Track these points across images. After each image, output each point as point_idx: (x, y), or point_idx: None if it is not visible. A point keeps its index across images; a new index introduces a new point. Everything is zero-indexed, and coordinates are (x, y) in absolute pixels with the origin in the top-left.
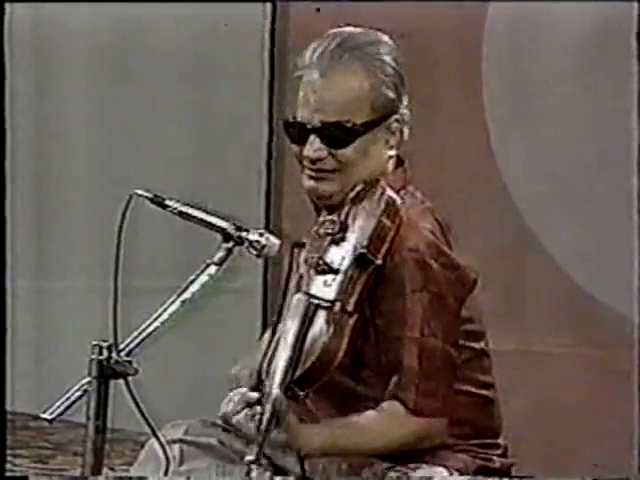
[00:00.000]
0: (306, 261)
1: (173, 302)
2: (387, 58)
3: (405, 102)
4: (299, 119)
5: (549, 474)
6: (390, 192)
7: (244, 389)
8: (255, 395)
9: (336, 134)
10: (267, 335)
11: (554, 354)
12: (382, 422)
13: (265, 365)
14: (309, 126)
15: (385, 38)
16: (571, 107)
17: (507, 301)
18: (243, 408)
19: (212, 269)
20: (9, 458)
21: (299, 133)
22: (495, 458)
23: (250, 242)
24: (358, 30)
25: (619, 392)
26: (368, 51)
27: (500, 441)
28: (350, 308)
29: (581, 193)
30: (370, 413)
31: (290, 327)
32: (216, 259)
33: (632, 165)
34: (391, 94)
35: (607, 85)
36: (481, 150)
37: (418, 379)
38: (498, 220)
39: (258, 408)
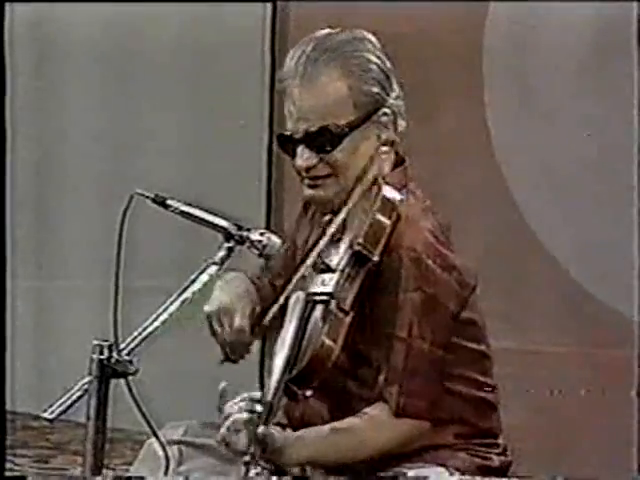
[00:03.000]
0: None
1: (174, 302)
2: (366, 54)
3: (395, 93)
4: (287, 132)
5: (548, 474)
6: (386, 190)
7: (253, 395)
8: (259, 408)
9: (322, 139)
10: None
11: (554, 353)
12: (366, 430)
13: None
14: (296, 136)
15: (363, 34)
16: (572, 106)
17: (507, 300)
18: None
19: (213, 268)
20: (9, 457)
21: (289, 145)
22: (494, 457)
23: (251, 241)
24: (334, 31)
25: (619, 392)
26: (344, 50)
27: (499, 440)
28: (346, 306)
29: (582, 192)
30: (353, 421)
31: (288, 326)
32: (217, 258)
33: (632, 165)
34: (374, 89)
35: (607, 84)
36: (482, 149)
37: (401, 379)
38: (498, 219)
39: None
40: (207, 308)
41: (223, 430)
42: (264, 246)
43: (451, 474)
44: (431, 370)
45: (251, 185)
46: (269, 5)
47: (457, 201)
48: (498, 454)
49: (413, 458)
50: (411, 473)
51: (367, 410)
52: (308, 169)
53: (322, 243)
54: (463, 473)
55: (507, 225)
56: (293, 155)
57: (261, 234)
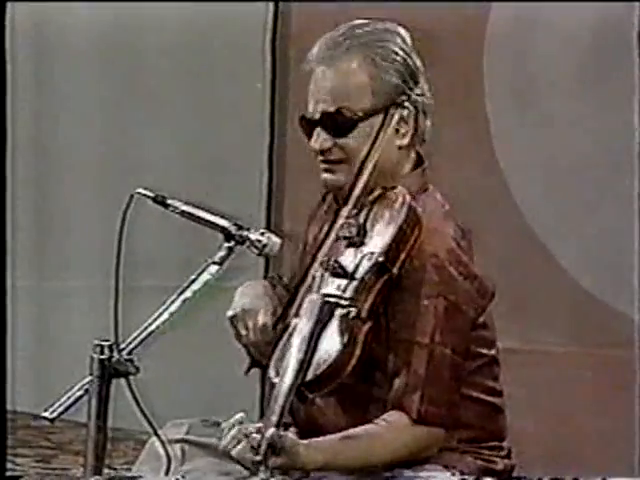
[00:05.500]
0: (321, 263)
1: (174, 301)
2: (391, 45)
3: (420, 90)
4: (307, 113)
5: (549, 474)
6: (412, 201)
7: (240, 423)
8: (253, 429)
9: (337, 122)
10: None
11: (555, 353)
12: (384, 436)
13: (274, 364)
14: (314, 118)
15: (395, 27)
16: (573, 107)
17: (508, 300)
18: (241, 441)
19: (213, 268)
20: (10, 457)
21: (307, 127)
22: (498, 460)
23: (251, 241)
24: (366, 21)
25: (619, 392)
26: (370, 39)
27: (504, 444)
28: (364, 315)
29: (582, 193)
30: (371, 427)
31: (303, 328)
32: (217, 258)
33: (633, 165)
34: (395, 80)
35: (608, 85)
36: (483, 152)
37: (423, 385)
38: (501, 221)
39: (257, 437)
40: (230, 313)
41: (224, 442)
42: (264, 246)
43: (453, 475)
44: (451, 377)
45: (251, 184)
46: (271, 5)
47: (459, 203)
48: (502, 457)
49: (418, 461)
50: (412, 474)
51: (385, 417)
52: (322, 152)
53: (329, 243)
54: (468, 476)
55: (508, 226)
56: (308, 136)
57: (261, 234)
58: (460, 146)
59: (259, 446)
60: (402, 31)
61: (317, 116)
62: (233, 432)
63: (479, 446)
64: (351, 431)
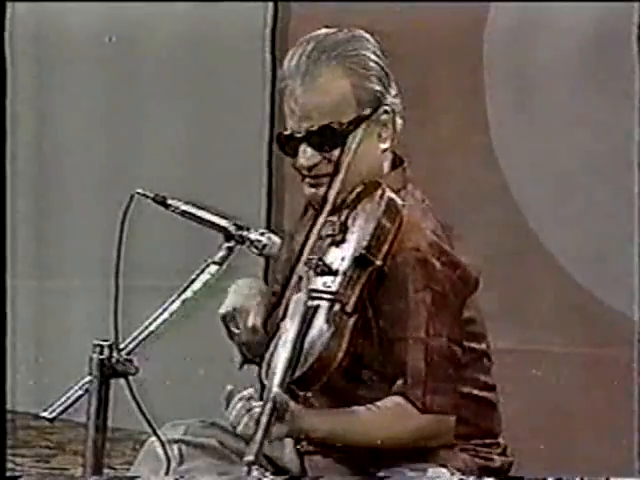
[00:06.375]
0: (306, 263)
1: (174, 301)
2: (366, 52)
3: (393, 92)
4: (288, 131)
5: (548, 474)
6: (390, 193)
7: (247, 399)
8: (257, 403)
9: (325, 138)
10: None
11: (554, 353)
12: (389, 414)
13: (265, 365)
14: (298, 135)
15: (361, 33)
16: (572, 107)
17: (507, 300)
18: (244, 416)
19: (213, 268)
20: (9, 457)
21: (290, 145)
22: (496, 457)
23: (251, 241)
24: (332, 30)
25: (619, 392)
26: (345, 48)
27: (500, 440)
28: (349, 309)
29: (582, 193)
30: (377, 404)
31: (290, 327)
32: (217, 258)
33: (633, 165)
34: (376, 87)
35: (608, 84)
36: (482, 150)
37: (425, 378)
38: (499, 219)
39: (257, 409)
40: (221, 310)
41: (231, 419)
42: (264, 246)
43: (452, 474)
44: (451, 366)
45: (251, 185)
46: (270, 5)
47: (458, 202)
48: (499, 454)
49: (414, 458)
50: (411, 473)
51: (391, 398)
52: (310, 168)
53: (311, 240)
54: (464, 473)
55: (507, 225)
56: (294, 154)
57: (261, 234)
58: (459, 144)
59: (262, 414)
60: (368, 36)
61: (302, 133)
62: (238, 407)
63: (475, 443)
64: (356, 407)
